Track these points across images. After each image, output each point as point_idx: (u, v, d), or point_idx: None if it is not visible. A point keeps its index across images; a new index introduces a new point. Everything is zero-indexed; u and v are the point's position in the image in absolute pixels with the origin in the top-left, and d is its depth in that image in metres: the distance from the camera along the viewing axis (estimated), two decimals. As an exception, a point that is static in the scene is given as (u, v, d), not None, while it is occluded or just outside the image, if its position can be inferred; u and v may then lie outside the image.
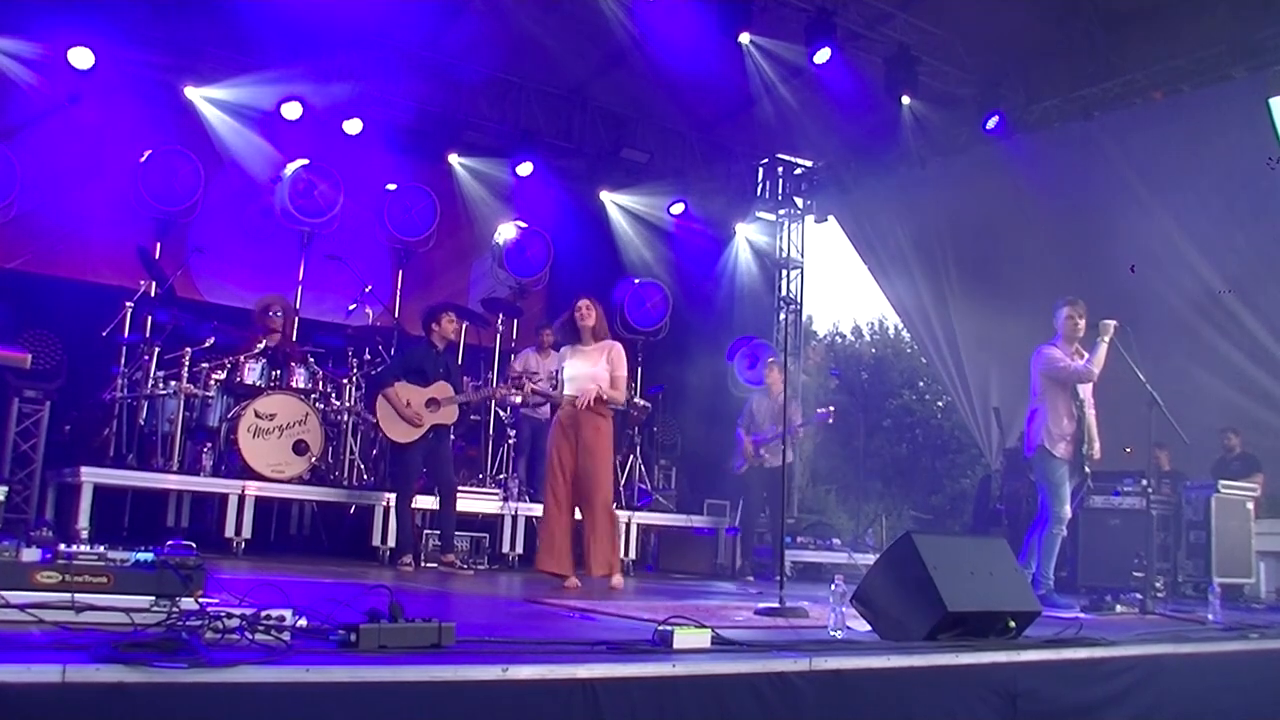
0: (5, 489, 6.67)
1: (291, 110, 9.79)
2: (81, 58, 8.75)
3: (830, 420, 9.59)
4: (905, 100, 10.34)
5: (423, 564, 7.49)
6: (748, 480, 9.08)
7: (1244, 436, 9.74)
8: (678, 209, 12.06)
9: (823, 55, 9.35)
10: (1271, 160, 9.06)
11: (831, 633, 3.76)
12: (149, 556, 2.81)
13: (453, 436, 8.94)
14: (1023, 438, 7.19)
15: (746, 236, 13.18)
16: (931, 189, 11.79)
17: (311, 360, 8.19)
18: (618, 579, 6.38)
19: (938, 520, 21.52)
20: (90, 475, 6.80)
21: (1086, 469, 6.72)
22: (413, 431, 7.33)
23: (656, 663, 2.85)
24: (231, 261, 9.56)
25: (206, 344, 7.85)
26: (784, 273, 13.49)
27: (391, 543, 7.49)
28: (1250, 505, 8.98)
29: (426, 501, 7.71)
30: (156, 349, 7.79)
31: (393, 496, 7.55)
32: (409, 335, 9.24)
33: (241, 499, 7.21)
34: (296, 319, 9.15)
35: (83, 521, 6.65)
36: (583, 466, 6.27)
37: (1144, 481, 7.67)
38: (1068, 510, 6.66)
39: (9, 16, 8.61)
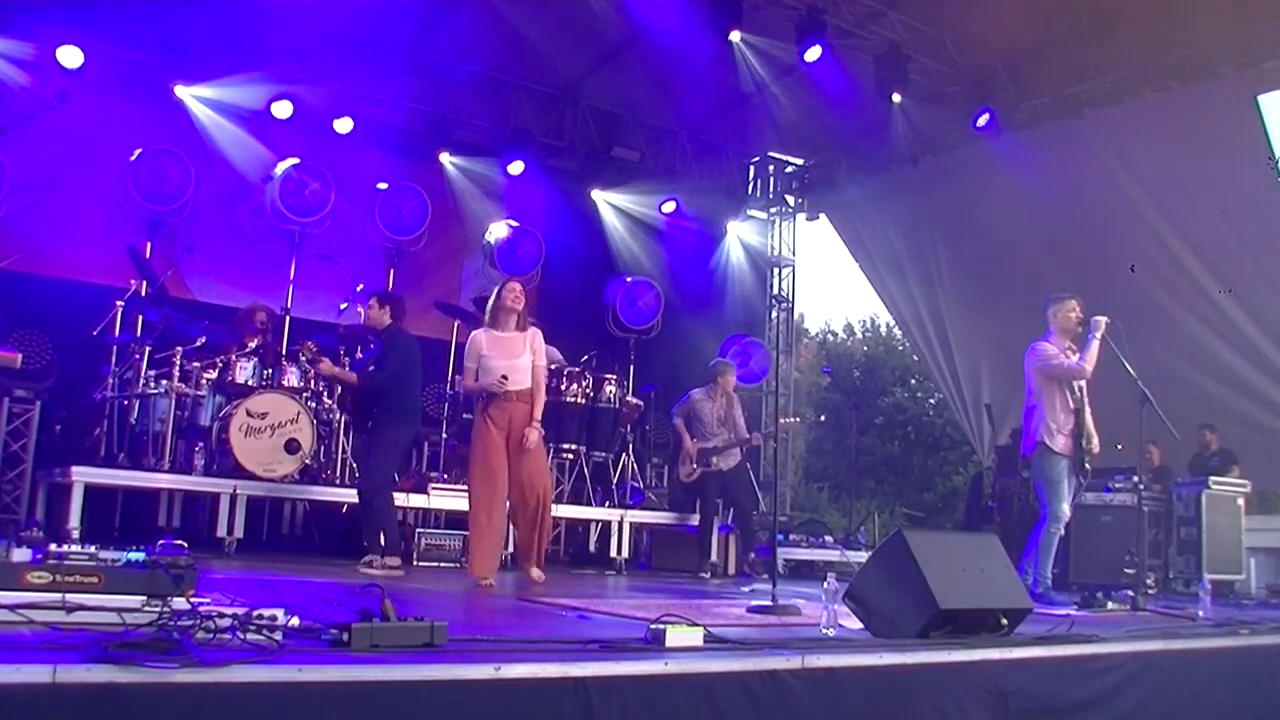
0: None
1: (282, 109, 9.77)
2: (70, 56, 8.71)
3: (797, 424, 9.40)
4: (896, 98, 10.35)
5: (414, 563, 7.47)
6: (704, 485, 8.70)
7: (1221, 432, 9.77)
8: (669, 207, 12.06)
9: (813, 53, 9.36)
10: (1272, 161, 9.09)
11: (824, 630, 3.76)
12: (140, 556, 2.81)
13: (445, 435, 8.91)
14: (1018, 435, 7.17)
15: (738, 235, 13.20)
16: (922, 187, 11.82)
17: (303, 359, 8.16)
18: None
19: (930, 518, 21.56)
20: (81, 475, 6.74)
21: (1087, 465, 6.67)
22: None
23: (649, 661, 2.85)
24: (222, 261, 9.54)
25: (198, 343, 7.82)
26: (775, 271, 13.53)
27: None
28: (1240, 501, 9.02)
29: (418, 500, 7.71)
30: (147, 348, 7.76)
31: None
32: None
33: (233, 498, 7.17)
34: (287, 321, 9.11)
35: (74, 521, 6.60)
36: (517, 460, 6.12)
37: (1135, 478, 7.68)
38: (1065, 509, 6.59)
39: (-3, 15, 8.59)
